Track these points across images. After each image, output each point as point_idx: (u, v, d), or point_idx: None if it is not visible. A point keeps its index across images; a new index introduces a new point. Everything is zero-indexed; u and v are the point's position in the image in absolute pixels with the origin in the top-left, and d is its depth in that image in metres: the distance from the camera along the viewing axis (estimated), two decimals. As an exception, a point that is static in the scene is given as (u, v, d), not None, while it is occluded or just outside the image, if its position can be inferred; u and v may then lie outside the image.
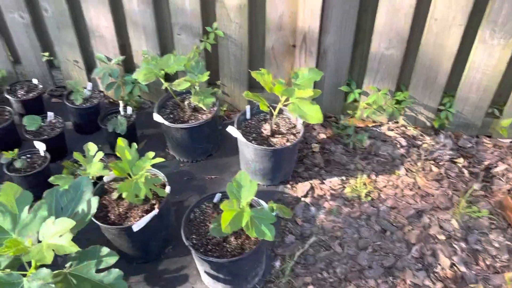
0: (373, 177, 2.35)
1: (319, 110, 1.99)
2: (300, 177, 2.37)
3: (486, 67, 2.25)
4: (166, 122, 2.31)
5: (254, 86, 2.76)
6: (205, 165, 2.49)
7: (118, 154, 1.84)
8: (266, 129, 2.30)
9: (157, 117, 2.34)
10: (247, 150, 2.20)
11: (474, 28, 2.20)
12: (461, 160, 2.41)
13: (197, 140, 2.41)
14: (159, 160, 1.88)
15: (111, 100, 2.99)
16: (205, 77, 2.30)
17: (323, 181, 2.34)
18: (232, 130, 2.19)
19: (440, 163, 2.40)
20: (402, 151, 2.47)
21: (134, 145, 1.90)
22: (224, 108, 2.77)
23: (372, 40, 2.32)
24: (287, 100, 2.06)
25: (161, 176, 2.04)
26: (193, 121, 2.38)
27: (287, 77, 2.56)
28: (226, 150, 2.57)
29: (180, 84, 2.21)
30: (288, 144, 2.20)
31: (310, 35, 2.34)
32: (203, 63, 2.37)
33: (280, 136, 2.26)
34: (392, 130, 2.59)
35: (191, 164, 2.50)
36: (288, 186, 2.33)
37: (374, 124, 2.61)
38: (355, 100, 2.55)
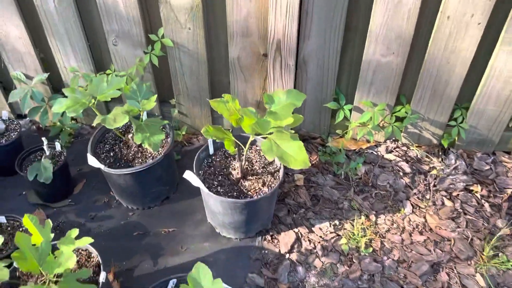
0: (373, 217, 1.87)
1: (302, 147, 1.49)
2: (282, 224, 1.86)
3: (510, 73, 1.77)
4: (103, 167, 1.75)
5: (218, 103, 2.21)
6: (159, 213, 1.95)
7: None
8: (235, 169, 1.77)
9: (92, 160, 1.78)
10: (212, 201, 1.68)
11: (494, 27, 1.71)
12: (478, 187, 1.95)
13: (147, 185, 1.87)
14: (86, 241, 1.34)
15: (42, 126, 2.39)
16: (151, 103, 1.74)
17: (312, 228, 1.85)
18: (190, 176, 1.66)
19: (454, 194, 1.94)
20: (406, 180, 1.99)
21: (49, 223, 1.34)
22: (183, 132, 2.22)
23: (366, 45, 1.80)
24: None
25: (94, 253, 1.50)
26: (139, 160, 1.83)
27: (260, 93, 2.03)
28: (186, 189, 2.04)
29: (116, 119, 1.64)
30: (265, 190, 1.69)
31: (286, 41, 1.79)
32: (148, 83, 1.80)
33: (253, 177, 1.74)
34: (392, 151, 2.10)
35: (142, 213, 1.96)
36: (268, 237, 1.83)
37: (369, 145, 2.12)
38: (345, 118, 2.04)
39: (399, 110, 1.99)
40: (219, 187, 1.70)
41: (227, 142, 1.60)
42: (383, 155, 2.08)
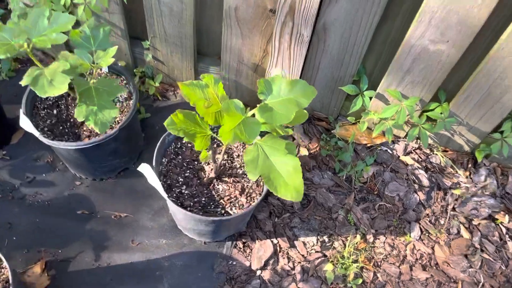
0: (371, 238, 1.53)
1: (299, 169, 1.09)
2: (260, 230, 1.52)
3: None
4: (38, 134, 1.33)
5: (206, 54, 1.73)
6: (113, 189, 1.58)
7: None
8: (209, 163, 1.37)
9: (24, 122, 1.35)
10: (177, 211, 1.30)
11: None
12: (505, 218, 1.59)
13: (97, 160, 1.47)
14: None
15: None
16: (107, 58, 1.26)
17: (294, 240, 1.51)
18: (146, 171, 1.25)
19: (474, 222, 1.58)
20: (420, 195, 1.61)
21: None
22: (157, 83, 1.75)
23: (413, 25, 1.28)
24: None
25: (4, 263, 1.15)
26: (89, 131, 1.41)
27: (260, 56, 1.53)
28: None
29: (55, 82, 1.18)
30: (243, 201, 1.31)
31: (304, 3, 1.26)
32: (107, 28, 1.30)
33: (231, 179, 1.35)
34: (411, 153, 1.69)
35: (92, 184, 1.58)
36: (240, 245, 1.49)
37: (384, 140, 1.69)
38: (363, 105, 1.58)
39: (433, 109, 1.53)
40: (183, 187, 1.31)
41: (200, 141, 1.17)
42: (399, 156, 1.67)
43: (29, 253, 1.42)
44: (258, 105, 1.07)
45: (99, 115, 1.22)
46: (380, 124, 1.56)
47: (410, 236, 1.54)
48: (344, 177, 1.62)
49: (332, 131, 1.69)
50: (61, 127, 1.42)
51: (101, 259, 1.43)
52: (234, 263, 1.46)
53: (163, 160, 1.35)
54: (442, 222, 1.57)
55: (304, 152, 1.66)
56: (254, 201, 1.30)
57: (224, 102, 1.07)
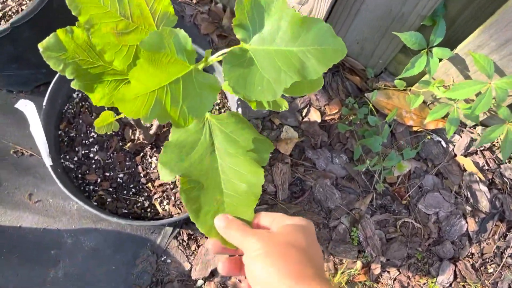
0: (377, 269, 1.02)
1: (258, 193, 0.58)
2: (217, 219, 1.02)
3: None
4: None
5: None
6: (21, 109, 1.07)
7: None
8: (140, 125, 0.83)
9: None
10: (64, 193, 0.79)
11: None
12: None
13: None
14: None
15: None
16: None
17: (264, 247, 1.01)
18: (29, 111, 0.72)
19: (537, 280, 1.05)
20: (470, 223, 1.05)
21: None
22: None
23: None
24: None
25: None
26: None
27: None
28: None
29: None
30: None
31: None
32: None
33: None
34: (475, 153, 1.10)
35: (-6, 98, 1.07)
36: (184, 236, 1.01)
37: (441, 126, 1.10)
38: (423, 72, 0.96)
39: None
40: (94, 148, 0.79)
41: (102, 89, 0.62)
42: (455, 154, 1.09)
43: None
44: (227, 50, 0.51)
45: None
46: (443, 105, 0.96)
47: (435, 280, 1.03)
48: (364, 170, 1.07)
49: (365, 95, 1.09)
50: None
51: (-19, 212, 0.97)
52: (169, 261, 0.99)
53: (74, 95, 0.82)
54: (490, 270, 1.04)
55: (314, 116, 1.09)
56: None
57: (156, 30, 0.50)
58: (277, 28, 0.53)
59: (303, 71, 0.52)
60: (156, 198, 0.78)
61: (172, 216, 0.77)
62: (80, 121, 0.80)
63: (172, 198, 0.79)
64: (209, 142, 0.57)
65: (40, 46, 0.58)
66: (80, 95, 0.82)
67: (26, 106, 0.72)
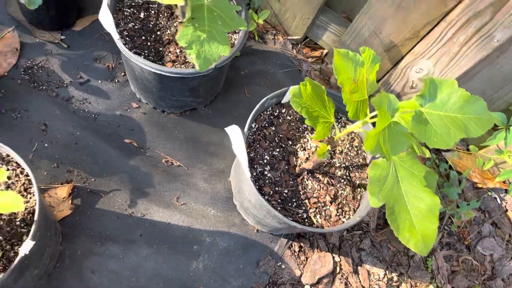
0: (444, 293, 1.27)
1: (436, 212, 0.83)
2: (323, 238, 1.25)
3: None
4: (117, 38, 1.03)
5: (333, 7, 1.38)
6: (173, 128, 1.30)
7: None
8: (306, 149, 1.08)
9: (104, 16, 1.05)
10: (251, 195, 1.02)
11: None
12: None
13: (171, 91, 1.18)
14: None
15: None
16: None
17: (359, 265, 1.25)
18: (235, 134, 0.96)
19: None
20: (516, 266, 1.33)
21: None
22: (261, 20, 1.42)
23: None
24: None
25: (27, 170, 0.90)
26: (177, 50, 1.11)
27: (402, 39, 1.19)
28: (224, 104, 1.36)
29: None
30: (332, 212, 1.03)
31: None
32: None
33: (325, 178, 1.06)
34: (522, 212, 1.39)
35: (151, 112, 1.30)
36: (295, 247, 1.24)
37: (498, 186, 1.39)
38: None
39: None
40: (267, 168, 1.03)
41: (321, 128, 0.87)
42: (506, 210, 1.38)
43: (58, 168, 1.17)
44: (412, 118, 0.77)
45: (205, 46, 0.91)
46: (510, 171, 1.25)
47: (488, 309, 1.28)
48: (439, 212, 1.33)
49: (443, 153, 1.38)
50: (143, 38, 1.12)
51: (136, 207, 1.18)
52: (283, 266, 1.21)
53: (253, 125, 1.06)
54: (530, 306, 1.31)
55: (401, 165, 1.36)
56: (346, 217, 1.03)
57: (378, 95, 0.77)
58: (447, 98, 0.80)
59: (466, 131, 0.79)
60: (311, 212, 1.02)
61: (323, 227, 1.01)
62: (258, 145, 1.04)
63: (323, 213, 1.02)
64: (394, 175, 0.83)
65: (291, 93, 0.84)
66: (256, 126, 1.07)
67: (233, 130, 0.96)
